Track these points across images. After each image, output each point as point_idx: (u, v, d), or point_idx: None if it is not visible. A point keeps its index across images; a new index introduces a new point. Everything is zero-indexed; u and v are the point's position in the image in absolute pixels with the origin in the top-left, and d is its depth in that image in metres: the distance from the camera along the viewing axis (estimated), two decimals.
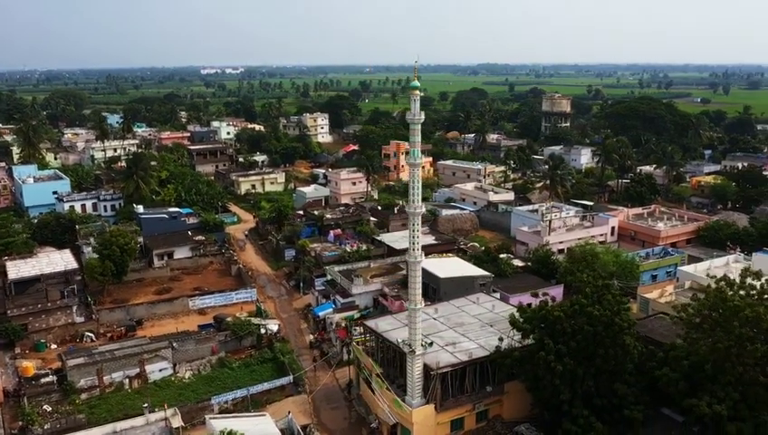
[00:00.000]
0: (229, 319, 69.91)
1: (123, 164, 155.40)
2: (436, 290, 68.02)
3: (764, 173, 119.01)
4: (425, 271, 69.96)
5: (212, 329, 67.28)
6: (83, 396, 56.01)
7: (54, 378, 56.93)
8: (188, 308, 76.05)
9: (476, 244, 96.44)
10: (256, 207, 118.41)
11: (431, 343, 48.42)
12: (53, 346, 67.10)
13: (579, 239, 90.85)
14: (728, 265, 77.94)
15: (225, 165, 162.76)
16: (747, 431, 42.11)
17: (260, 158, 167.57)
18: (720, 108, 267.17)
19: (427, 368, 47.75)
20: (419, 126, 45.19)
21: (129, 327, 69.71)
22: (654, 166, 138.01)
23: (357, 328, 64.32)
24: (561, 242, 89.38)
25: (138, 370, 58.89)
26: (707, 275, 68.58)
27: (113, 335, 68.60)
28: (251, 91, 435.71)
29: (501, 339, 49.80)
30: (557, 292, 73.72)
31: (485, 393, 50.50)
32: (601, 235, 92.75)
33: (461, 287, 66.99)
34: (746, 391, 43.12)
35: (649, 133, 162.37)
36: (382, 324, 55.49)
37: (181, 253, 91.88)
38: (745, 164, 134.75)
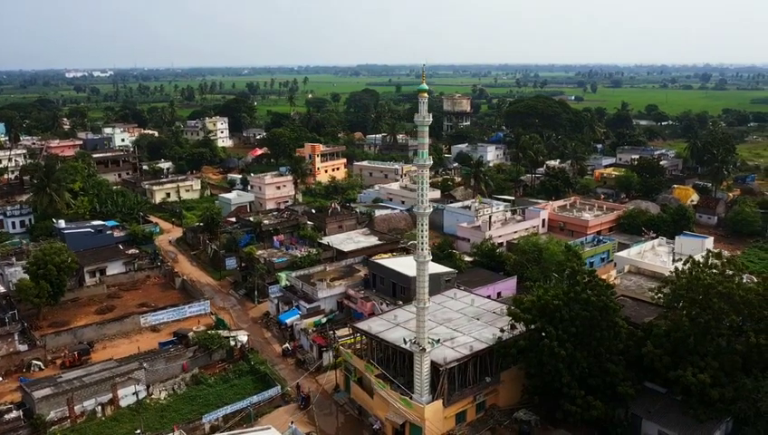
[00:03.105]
0: (191, 334, 67.03)
1: (10, 176, 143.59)
2: (405, 289, 68.81)
3: (661, 163, 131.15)
4: (392, 271, 71.68)
5: (180, 346, 63.99)
6: (53, 429, 51.58)
7: (20, 413, 51.84)
8: (140, 326, 71.77)
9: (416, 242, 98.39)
10: (180, 217, 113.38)
11: (438, 341, 49.36)
12: None
13: (515, 233, 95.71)
14: (654, 248, 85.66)
15: (128, 173, 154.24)
16: (728, 395, 46.85)
17: (165, 165, 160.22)
18: (594, 105, 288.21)
19: (434, 364, 48.67)
20: (427, 128, 45.93)
21: (83, 351, 64.58)
22: (558, 160, 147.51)
23: (332, 332, 64.20)
24: (500, 236, 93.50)
25: (110, 395, 55.07)
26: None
27: (65, 362, 63.31)
28: (129, 96, 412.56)
29: (502, 330, 51.83)
30: (511, 284, 77.53)
31: (485, 384, 52.29)
32: (534, 227, 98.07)
33: (429, 284, 68.00)
34: (723, 359, 47.84)
35: (547, 130, 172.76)
36: (375, 326, 55.74)
37: (114, 268, 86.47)
38: (636, 156, 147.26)
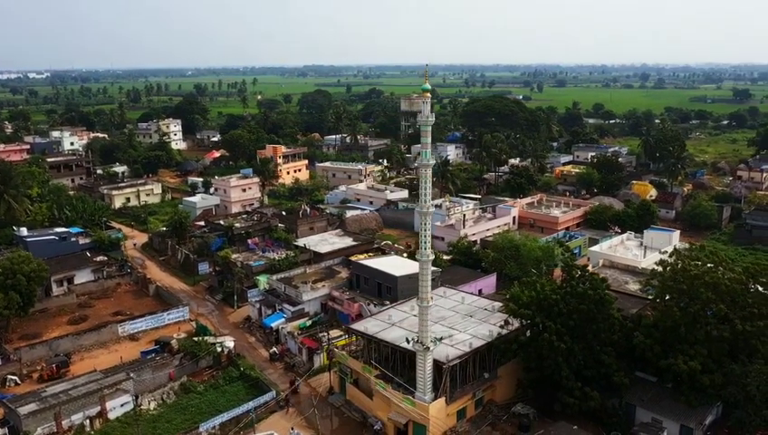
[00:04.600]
0: (174, 341, 65.46)
1: None
2: (390, 289, 68.89)
3: (619, 160, 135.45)
4: (377, 271, 71.68)
5: (165, 354, 62.30)
6: None
7: (5, 430, 49.43)
8: (118, 335, 69.50)
9: (389, 241, 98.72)
10: (146, 222, 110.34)
11: (441, 339, 49.64)
12: None
13: (487, 230, 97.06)
14: (623, 242, 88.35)
15: (81, 178, 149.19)
16: (718, 381, 48.81)
17: (120, 169, 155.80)
18: (541, 104, 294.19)
19: (436, 362, 48.90)
20: (430, 128, 46.19)
21: (61, 363, 62.03)
22: (518, 159, 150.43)
23: (323, 334, 63.85)
24: (473, 234, 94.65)
25: (98, 408, 53.15)
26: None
27: (43, 375, 60.70)
28: (71, 98, 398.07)
29: (502, 326, 52.57)
30: (491, 281, 78.59)
31: (483, 380, 52.89)
32: (505, 224, 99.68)
33: (414, 283, 68.07)
34: (711, 346, 49.76)
35: (505, 129, 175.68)
36: (371, 327, 55.57)
37: (83, 276, 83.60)
38: (592, 154, 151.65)
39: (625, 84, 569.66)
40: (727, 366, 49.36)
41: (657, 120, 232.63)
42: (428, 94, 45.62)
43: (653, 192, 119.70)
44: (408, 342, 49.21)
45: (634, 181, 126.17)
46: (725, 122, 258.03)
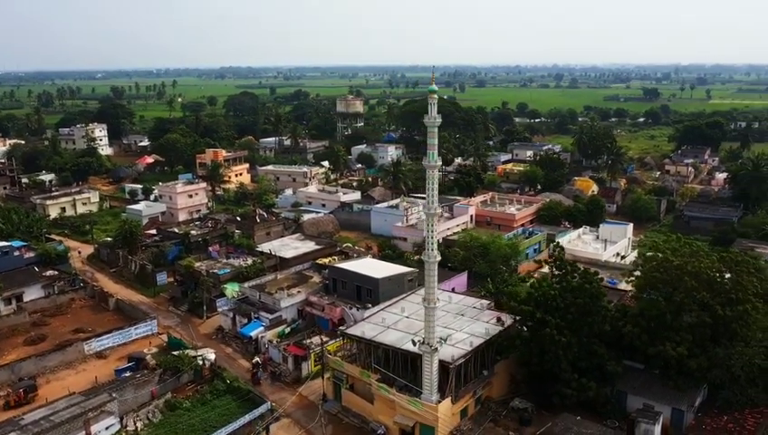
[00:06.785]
0: (148, 356, 62.49)
1: None
2: (371, 291, 68.43)
3: (561, 158, 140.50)
4: (356, 274, 71.20)
5: (145, 371, 59.17)
6: None
7: None
8: (84, 354, 65.42)
9: (350, 244, 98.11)
10: (90, 232, 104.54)
11: (445, 339, 49.78)
12: None
13: (447, 229, 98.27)
14: (580, 237, 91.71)
15: (5, 187, 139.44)
16: (704, 364, 51.54)
17: (47, 177, 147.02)
18: (465, 105, 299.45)
19: (442, 363, 49.04)
20: (436, 129, 46.14)
21: (29, 387, 57.74)
22: (460, 158, 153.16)
23: (311, 340, 62.79)
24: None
25: (83, 433, 49.87)
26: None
27: (10, 401, 56.33)
28: None
29: (502, 323, 53.32)
30: (462, 279, 79.67)
31: (483, 378, 53.50)
32: (464, 223, 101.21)
33: (395, 285, 68.74)
34: (695, 332, 52.48)
35: (443, 129, 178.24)
36: (368, 331, 55.02)
37: (32, 293, 78.40)
38: (530, 152, 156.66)
39: (541, 84, 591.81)
40: (711, 350, 52.15)
41: (580, 119, 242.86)
42: (435, 96, 45.54)
43: (595, 188, 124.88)
44: (414, 344, 49.09)
45: (576, 178, 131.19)
46: (642, 120, 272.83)
